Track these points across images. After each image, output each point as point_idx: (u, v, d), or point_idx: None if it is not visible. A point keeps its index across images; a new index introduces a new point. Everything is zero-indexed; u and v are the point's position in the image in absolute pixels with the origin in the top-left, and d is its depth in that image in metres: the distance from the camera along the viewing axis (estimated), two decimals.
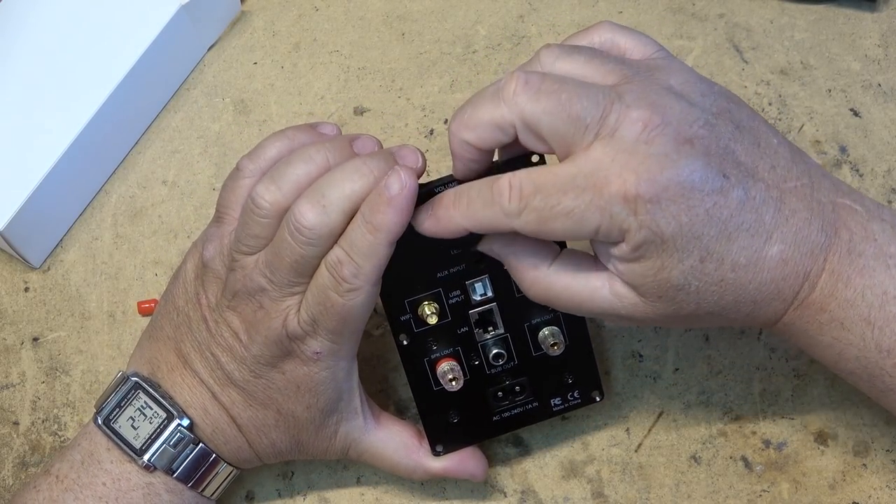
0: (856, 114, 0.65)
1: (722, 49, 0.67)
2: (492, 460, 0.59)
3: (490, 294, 0.54)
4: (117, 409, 0.54)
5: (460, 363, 0.54)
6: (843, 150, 0.64)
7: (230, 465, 0.54)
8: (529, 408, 0.56)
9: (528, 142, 0.46)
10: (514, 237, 0.48)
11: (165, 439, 0.53)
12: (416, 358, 0.54)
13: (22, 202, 0.62)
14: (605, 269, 0.47)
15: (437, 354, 0.54)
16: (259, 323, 0.51)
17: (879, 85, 0.65)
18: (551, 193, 0.45)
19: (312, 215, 0.48)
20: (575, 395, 0.56)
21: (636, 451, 0.59)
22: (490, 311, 0.54)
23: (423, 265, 0.52)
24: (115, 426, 0.53)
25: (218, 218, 0.54)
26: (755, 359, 0.60)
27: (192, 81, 0.69)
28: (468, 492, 0.59)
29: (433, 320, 0.53)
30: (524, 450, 0.60)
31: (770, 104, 0.65)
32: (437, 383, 0.55)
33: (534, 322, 0.54)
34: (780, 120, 0.65)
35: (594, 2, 0.69)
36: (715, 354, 0.60)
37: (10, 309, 0.65)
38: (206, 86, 0.69)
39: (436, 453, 0.56)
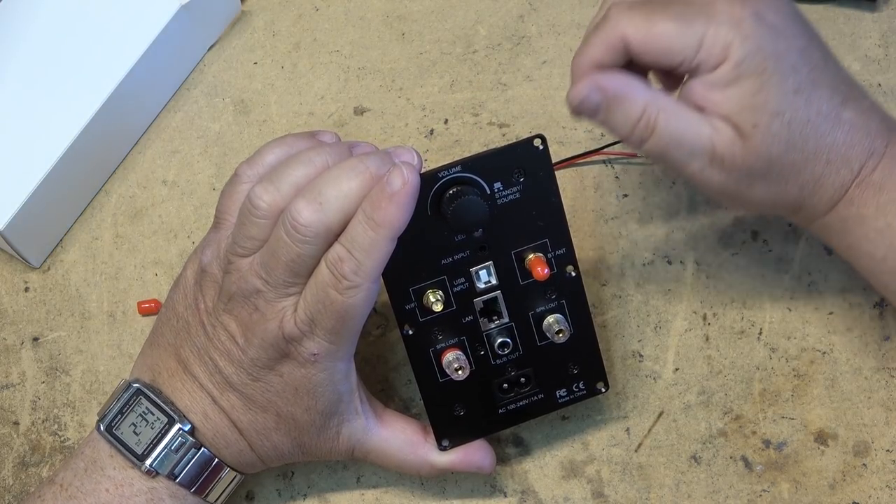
0: None
1: None
2: None
3: (495, 282, 0.53)
4: (119, 416, 0.53)
5: (465, 353, 0.54)
6: None
7: (234, 469, 0.55)
8: (535, 399, 0.56)
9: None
10: (611, 76, 0.50)
11: (167, 444, 0.53)
12: (421, 349, 0.54)
13: (22, 202, 0.62)
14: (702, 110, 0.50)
15: (443, 345, 0.54)
16: (255, 325, 0.51)
17: (879, 85, 0.65)
18: (662, 1, 0.49)
19: (309, 213, 0.48)
20: (580, 386, 0.56)
21: (636, 451, 0.59)
22: (494, 299, 0.54)
23: (427, 253, 0.52)
24: (118, 433, 0.53)
25: (216, 223, 0.54)
26: (755, 359, 0.60)
27: (192, 81, 0.69)
28: (468, 491, 0.59)
29: (438, 307, 0.53)
30: (524, 450, 0.60)
31: None
32: (443, 374, 0.54)
33: (538, 311, 0.54)
34: None
35: (594, 1, 0.69)
36: (715, 354, 0.60)
37: (10, 309, 0.65)
38: (206, 86, 0.69)
39: (442, 448, 0.56)
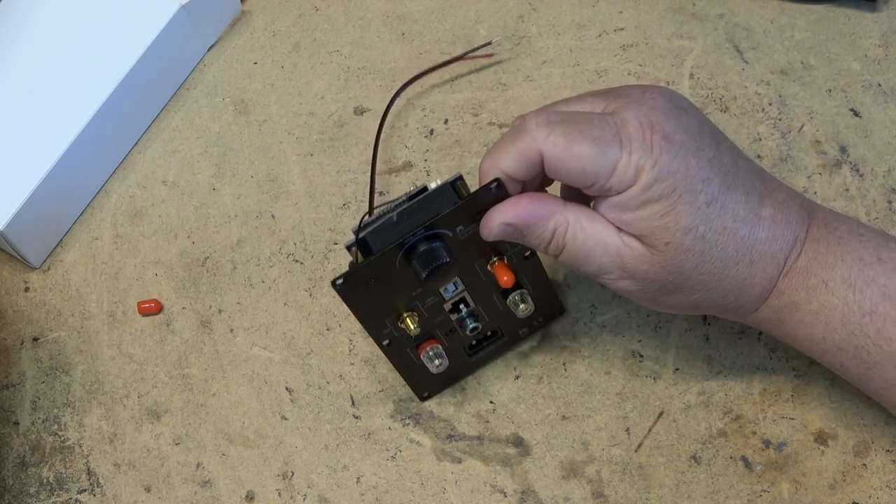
0: (856, 114, 0.65)
1: (722, 49, 0.67)
2: (491, 460, 0.59)
3: (461, 288, 0.56)
4: None
5: (440, 342, 0.57)
6: (843, 150, 0.64)
7: None
8: (501, 343, 0.60)
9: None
10: (516, 207, 0.50)
11: None
12: (399, 351, 0.57)
13: (22, 202, 0.62)
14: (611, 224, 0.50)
15: (418, 342, 0.57)
16: None
17: (879, 85, 0.65)
18: (579, 121, 0.49)
19: None
20: (539, 320, 0.60)
21: (636, 451, 0.59)
22: (462, 298, 0.56)
23: (398, 295, 0.54)
24: None
25: None
26: (755, 359, 0.60)
27: (192, 81, 0.69)
28: (468, 492, 0.59)
29: (417, 331, 0.55)
30: (524, 450, 0.60)
31: (770, 104, 0.65)
32: (419, 359, 0.57)
33: (500, 290, 0.57)
34: (780, 120, 0.65)
35: (594, 2, 0.69)
36: (715, 354, 0.60)
37: (10, 309, 0.65)
38: (206, 86, 0.69)
39: (423, 399, 0.60)
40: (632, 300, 0.53)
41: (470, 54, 0.67)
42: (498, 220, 0.51)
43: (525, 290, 0.57)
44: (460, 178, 0.53)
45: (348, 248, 0.53)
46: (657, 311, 0.54)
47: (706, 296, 0.51)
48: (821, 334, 0.51)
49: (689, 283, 0.50)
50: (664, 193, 0.48)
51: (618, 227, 0.50)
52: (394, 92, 0.68)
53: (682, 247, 0.49)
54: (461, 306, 0.56)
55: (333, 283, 0.52)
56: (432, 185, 0.53)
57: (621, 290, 0.52)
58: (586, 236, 0.50)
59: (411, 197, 0.53)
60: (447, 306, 0.56)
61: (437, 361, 0.57)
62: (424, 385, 0.60)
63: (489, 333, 0.59)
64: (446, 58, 0.68)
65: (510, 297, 0.57)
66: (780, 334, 0.53)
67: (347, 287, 0.52)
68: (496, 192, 0.51)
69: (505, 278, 0.54)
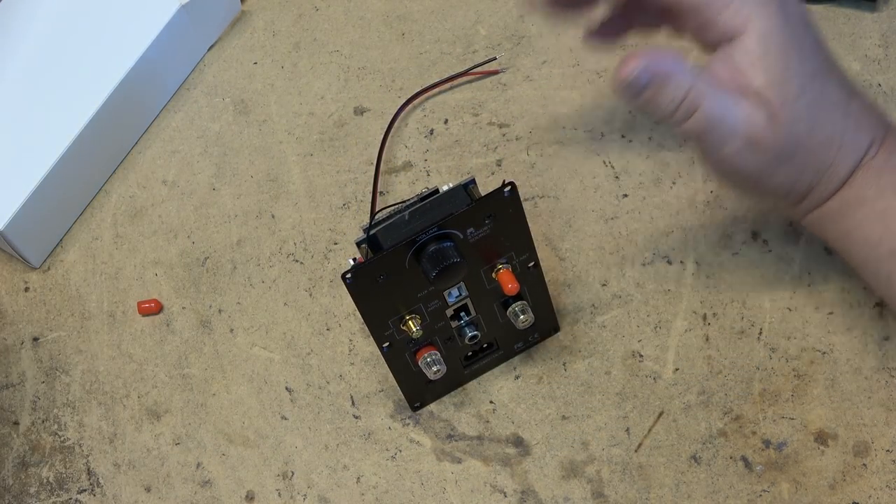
0: None
1: None
2: (491, 460, 0.59)
3: (465, 293, 0.56)
4: None
5: (438, 349, 0.57)
6: None
7: None
8: (496, 356, 0.60)
9: None
10: (656, 54, 0.50)
11: None
12: (398, 355, 0.57)
13: (22, 202, 0.62)
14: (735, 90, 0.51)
15: (417, 347, 0.57)
16: None
17: (879, 85, 0.65)
18: None
19: None
20: (535, 336, 0.61)
21: (636, 451, 0.59)
22: (464, 305, 0.56)
23: (405, 294, 0.54)
24: None
25: None
26: (755, 359, 0.60)
27: (192, 81, 0.69)
28: (468, 492, 0.59)
29: (419, 334, 0.55)
30: (524, 450, 0.60)
31: None
32: (416, 366, 0.57)
33: (502, 300, 0.57)
34: None
35: None
36: (715, 354, 0.60)
37: (10, 309, 0.65)
38: (206, 86, 0.69)
39: (415, 409, 0.60)
40: (736, 184, 0.53)
41: (477, 69, 0.67)
42: (641, 64, 0.49)
43: (526, 302, 0.57)
44: (473, 181, 0.53)
45: (358, 244, 0.53)
46: (752, 196, 0.56)
47: (803, 173, 0.52)
48: (878, 236, 0.52)
49: (797, 155, 0.51)
50: (782, 47, 0.49)
51: (736, 90, 0.50)
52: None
53: (794, 109, 0.50)
54: (462, 314, 0.56)
55: (343, 277, 0.52)
56: (444, 188, 0.53)
57: (738, 166, 0.51)
58: (718, 100, 0.50)
59: (423, 198, 0.53)
60: (449, 312, 0.56)
61: (434, 368, 0.56)
62: (418, 395, 0.60)
63: (486, 345, 0.59)
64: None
65: (511, 308, 0.57)
66: (838, 233, 0.54)
67: (357, 281, 0.52)
68: (509, 195, 0.51)
69: (510, 286, 0.54)
